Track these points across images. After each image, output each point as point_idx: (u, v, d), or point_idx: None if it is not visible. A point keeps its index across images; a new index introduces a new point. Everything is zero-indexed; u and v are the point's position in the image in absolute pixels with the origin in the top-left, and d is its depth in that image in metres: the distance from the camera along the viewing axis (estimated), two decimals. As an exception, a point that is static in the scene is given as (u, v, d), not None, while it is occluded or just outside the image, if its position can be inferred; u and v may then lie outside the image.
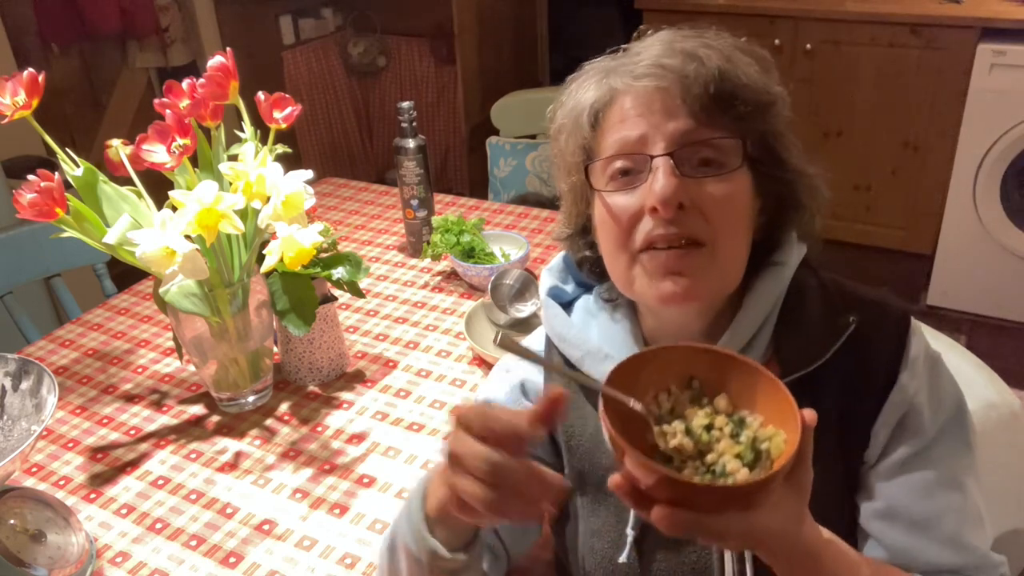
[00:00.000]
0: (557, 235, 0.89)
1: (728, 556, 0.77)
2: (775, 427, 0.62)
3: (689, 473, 0.61)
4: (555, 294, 0.90)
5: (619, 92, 0.76)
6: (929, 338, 0.83)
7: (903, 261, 3.12)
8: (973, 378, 1.12)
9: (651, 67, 0.73)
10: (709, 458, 0.61)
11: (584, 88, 0.79)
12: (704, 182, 0.73)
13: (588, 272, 0.89)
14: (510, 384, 0.90)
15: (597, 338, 0.85)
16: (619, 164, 0.75)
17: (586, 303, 0.89)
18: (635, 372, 0.65)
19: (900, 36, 2.79)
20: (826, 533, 0.67)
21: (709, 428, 0.63)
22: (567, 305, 0.90)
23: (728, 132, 0.73)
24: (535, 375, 0.90)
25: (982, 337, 2.83)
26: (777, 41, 2.99)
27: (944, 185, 2.85)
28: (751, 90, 0.74)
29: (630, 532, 0.81)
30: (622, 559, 0.81)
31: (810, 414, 0.59)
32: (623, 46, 0.81)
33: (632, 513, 0.80)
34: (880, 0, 2.90)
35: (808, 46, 2.95)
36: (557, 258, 0.93)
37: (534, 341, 0.93)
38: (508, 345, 0.69)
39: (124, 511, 1.11)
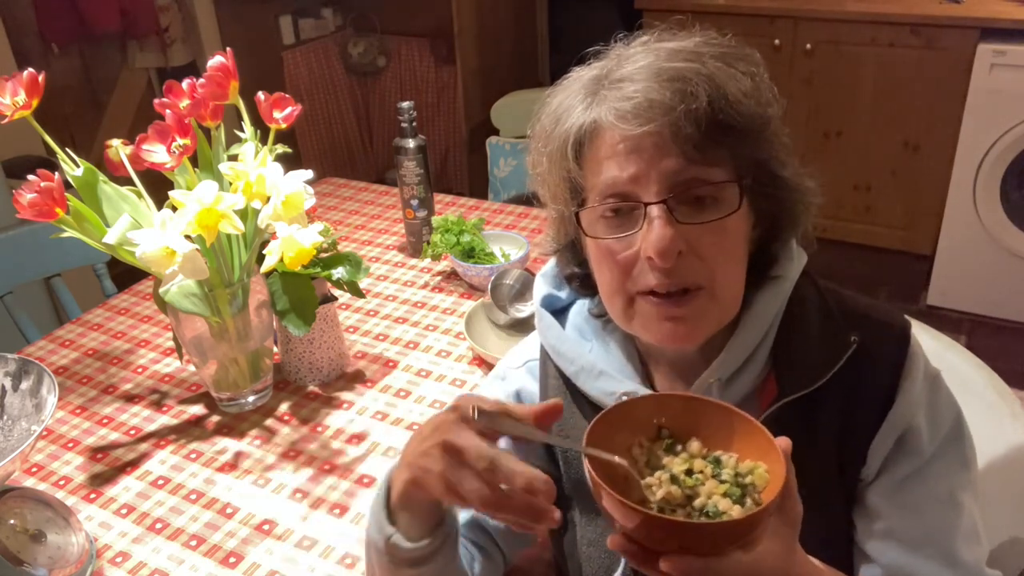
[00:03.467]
0: (545, 249, 0.87)
1: None
2: (752, 460, 0.62)
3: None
4: (549, 302, 0.89)
5: (604, 126, 0.71)
6: (929, 339, 0.82)
7: (903, 261, 3.12)
8: (973, 378, 1.12)
9: (638, 105, 0.69)
10: (698, 503, 0.61)
11: (566, 111, 0.75)
12: (700, 226, 0.70)
13: (578, 288, 0.86)
14: (505, 392, 0.90)
15: (592, 353, 0.84)
16: (610, 204, 0.72)
17: (581, 311, 0.88)
18: (607, 431, 0.64)
19: (900, 36, 2.79)
20: (820, 564, 0.67)
21: (689, 473, 0.63)
22: (563, 311, 0.89)
23: (723, 167, 0.70)
24: (531, 384, 0.89)
25: (982, 337, 2.83)
26: (777, 41, 2.99)
27: (944, 185, 2.85)
28: (744, 117, 0.70)
29: None
30: (616, 575, 0.81)
31: (785, 441, 0.59)
32: (605, 48, 0.77)
33: None
34: (880, 0, 2.90)
35: (808, 46, 2.95)
36: (551, 263, 0.91)
37: (530, 347, 0.92)
38: (494, 424, 0.66)
39: (124, 511, 1.11)
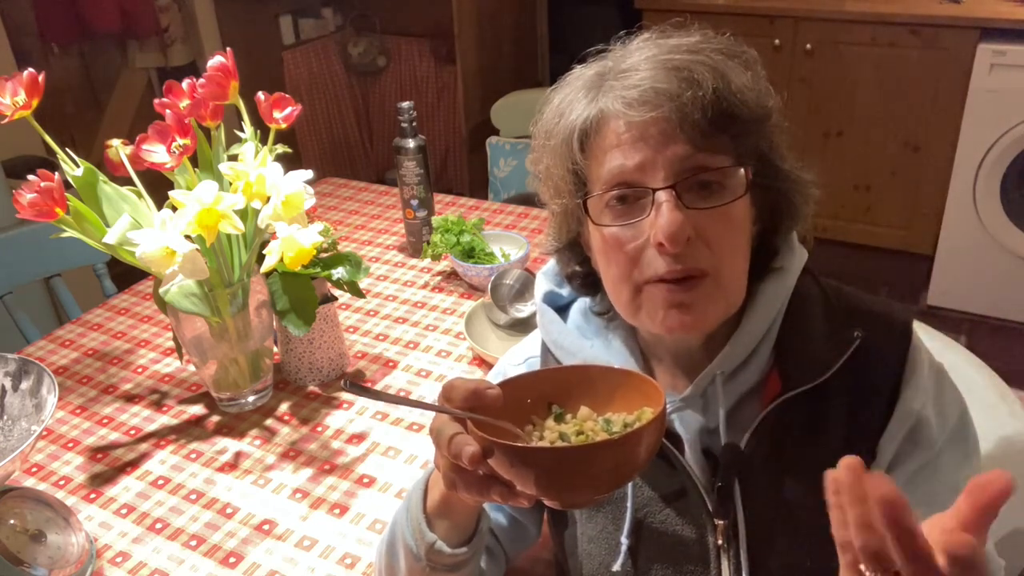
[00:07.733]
0: (546, 248, 0.87)
1: (725, 571, 0.77)
2: (640, 408, 0.64)
3: None
4: (551, 299, 0.89)
5: (610, 116, 0.72)
6: (929, 339, 0.82)
7: (903, 261, 3.12)
8: (974, 379, 1.12)
9: (645, 93, 0.69)
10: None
11: (570, 105, 0.75)
12: (707, 212, 0.71)
13: (579, 287, 0.86)
14: None
15: (593, 348, 0.84)
16: (616, 192, 0.72)
17: (582, 309, 0.88)
18: (497, 415, 0.65)
19: (900, 36, 2.80)
20: None
21: (580, 434, 0.65)
22: (564, 308, 0.89)
23: (727, 155, 0.71)
24: None
25: (982, 337, 2.83)
26: (777, 41, 2.99)
27: (944, 185, 2.85)
28: (747, 107, 0.71)
29: (624, 541, 0.81)
30: (616, 567, 0.81)
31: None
32: (606, 48, 0.78)
33: (627, 521, 0.80)
34: (880, 0, 2.90)
35: (808, 46, 2.95)
36: (552, 261, 0.91)
37: (531, 345, 0.92)
38: (354, 391, 0.65)
39: (124, 511, 1.11)
